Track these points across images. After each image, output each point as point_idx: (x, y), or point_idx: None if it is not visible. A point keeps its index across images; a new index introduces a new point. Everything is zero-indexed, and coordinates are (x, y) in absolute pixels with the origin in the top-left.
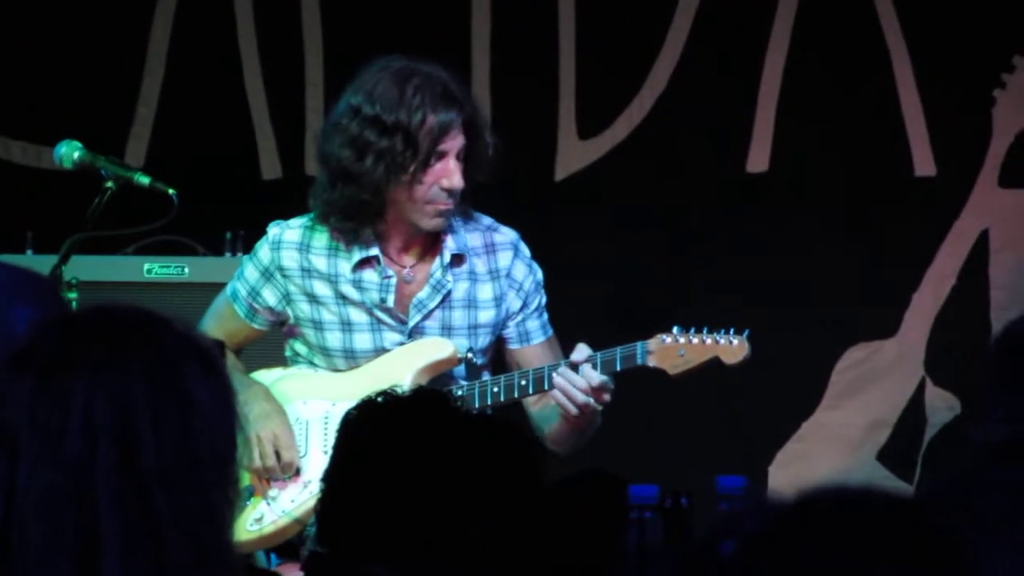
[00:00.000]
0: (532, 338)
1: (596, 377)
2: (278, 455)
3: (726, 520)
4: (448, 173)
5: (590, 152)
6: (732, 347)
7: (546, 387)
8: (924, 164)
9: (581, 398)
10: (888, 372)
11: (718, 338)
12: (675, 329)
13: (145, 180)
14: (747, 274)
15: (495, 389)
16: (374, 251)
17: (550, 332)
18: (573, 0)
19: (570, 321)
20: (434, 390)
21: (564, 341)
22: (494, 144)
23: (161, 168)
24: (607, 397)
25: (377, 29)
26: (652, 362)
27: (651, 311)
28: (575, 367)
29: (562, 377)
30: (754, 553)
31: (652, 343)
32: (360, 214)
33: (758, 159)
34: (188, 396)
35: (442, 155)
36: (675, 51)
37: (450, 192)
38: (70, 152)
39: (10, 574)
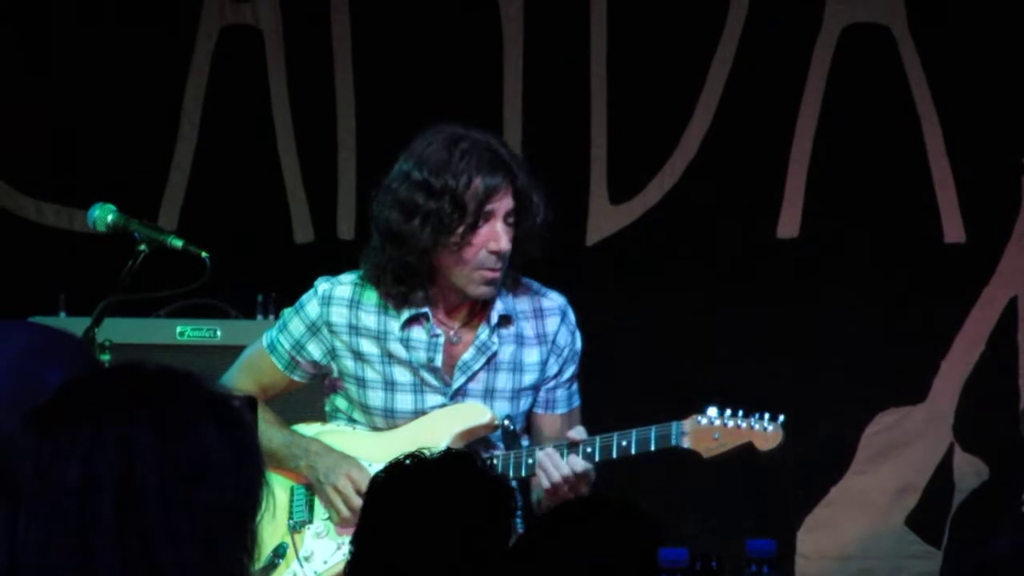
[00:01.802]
0: (556, 408)
1: (580, 464)
2: (360, 494)
3: None
4: (495, 236)
5: (621, 217)
6: (767, 434)
7: None
8: (954, 231)
9: (556, 478)
10: (917, 437)
11: (753, 424)
12: (710, 410)
13: (178, 243)
14: (777, 339)
15: (530, 461)
16: (424, 310)
17: (576, 403)
18: (605, 63)
19: (599, 384)
20: (461, 452)
21: (594, 402)
22: (545, 210)
23: (194, 231)
24: (584, 489)
25: (410, 93)
26: (687, 443)
27: (681, 375)
28: (566, 451)
29: (547, 457)
30: None
31: (688, 424)
32: (410, 277)
33: (788, 224)
34: (199, 448)
35: (489, 217)
36: (707, 116)
37: (498, 255)
38: (103, 215)
39: None
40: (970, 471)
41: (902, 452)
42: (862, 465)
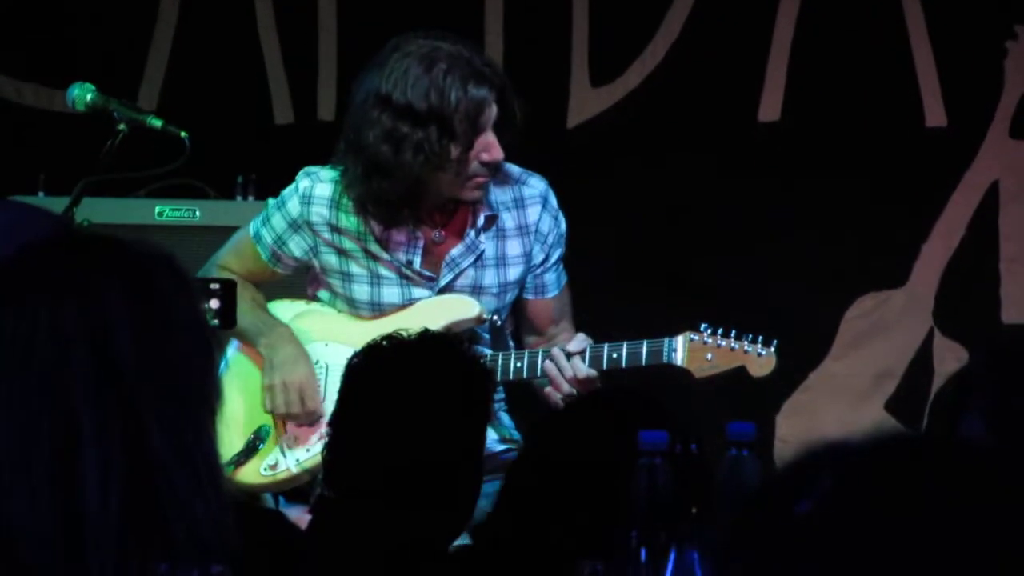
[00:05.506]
0: (547, 292)
1: (583, 370)
2: (303, 403)
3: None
4: (488, 147)
5: (602, 99)
6: (760, 359)
7: None
8: (935, 115)
9: (566, 388)
10: (897, 322)
11: (747, 347)
12: (704, 328)
13: (157, 123)
14: (757, 223)
15: (518, 364)
16: (404, 212)
17: (564, 280)
18: None
19: (579, 268)
20: (439, 333)
21: (575, 287)
22: (522, 106)
23: (173, 111)
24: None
25: None
26: (679, 360)
27: (660, 260)
28: (569, 356)
29: (553, 363)
30: (833, 513)
31: (680, 341)
32: (395, 203)
33: (770, 108)
34: (164, 303)
35: (479, 131)
36: None
37: (491, 164)
38: (82, 94)
39: None
40: (950, 356)
41: (881, 337)
42: (841, 350)
